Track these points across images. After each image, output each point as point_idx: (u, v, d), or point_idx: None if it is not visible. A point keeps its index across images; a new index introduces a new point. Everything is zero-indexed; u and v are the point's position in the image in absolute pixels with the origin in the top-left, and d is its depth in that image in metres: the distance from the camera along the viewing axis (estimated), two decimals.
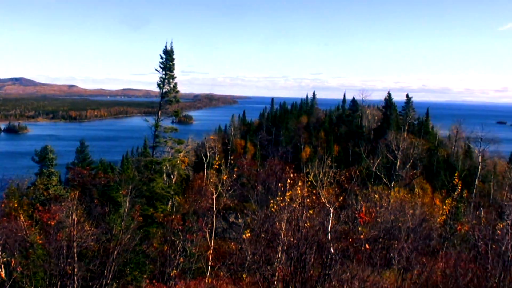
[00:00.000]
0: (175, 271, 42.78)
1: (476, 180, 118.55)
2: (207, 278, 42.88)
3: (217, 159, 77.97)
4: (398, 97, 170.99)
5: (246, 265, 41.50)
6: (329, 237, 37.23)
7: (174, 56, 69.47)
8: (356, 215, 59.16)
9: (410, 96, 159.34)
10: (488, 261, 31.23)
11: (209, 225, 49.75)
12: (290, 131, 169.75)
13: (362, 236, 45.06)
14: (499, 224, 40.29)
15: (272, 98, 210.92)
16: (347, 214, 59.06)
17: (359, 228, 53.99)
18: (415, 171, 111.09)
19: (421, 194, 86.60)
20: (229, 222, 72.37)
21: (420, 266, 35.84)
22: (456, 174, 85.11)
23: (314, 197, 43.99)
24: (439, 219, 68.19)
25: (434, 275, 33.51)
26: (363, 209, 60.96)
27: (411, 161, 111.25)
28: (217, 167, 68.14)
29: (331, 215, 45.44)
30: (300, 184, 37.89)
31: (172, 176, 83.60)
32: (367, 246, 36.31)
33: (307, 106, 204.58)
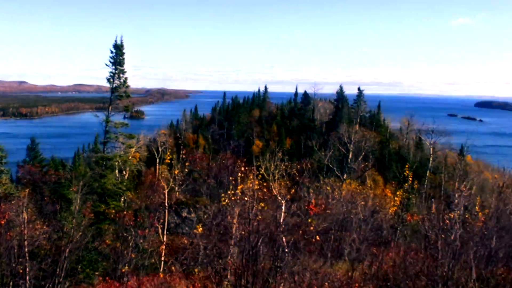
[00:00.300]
0: (127, 268, 42.65)
1: (427, 171, 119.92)
2: (160, 273, 42.83)
3: (168, 153, 77.66)
4: (350, 90, 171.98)
5: (199, 259, 41.61)
6: (281, 229, 37.50)
7: (124, 51, 68.79)
8: (306, 207, 59.58)
9: (361, 89, 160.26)
10: (437, 250, 31.67)
11: (161, 220, 49.71)
12: (242, 125, 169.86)
13: (311, 228, 45.45)
14: (448, 214, 40.99)
15: (224, 92, 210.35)
16: (299, 207, 59.51)
17: (309, 220, 54.38)
18: (366, 163, 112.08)
19: (372, 186, 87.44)
20: (182, 217, 72.17)
21: (370, 257, 36.31)
22: (406, 166, 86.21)
23: (265, 190, 44.26)
24: (390, 210, 69.06)
25: (385, 265, 33.99)
26: (313, 201, 61.41)
27: (363, 153, 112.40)
28: (169, 161, 67.77)
29: (283, 207, 45.80)
30: (250, 177, 38.08)
31: (124, 172, 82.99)
32: (317, 238, 36.66)
33: (259, 100, 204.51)
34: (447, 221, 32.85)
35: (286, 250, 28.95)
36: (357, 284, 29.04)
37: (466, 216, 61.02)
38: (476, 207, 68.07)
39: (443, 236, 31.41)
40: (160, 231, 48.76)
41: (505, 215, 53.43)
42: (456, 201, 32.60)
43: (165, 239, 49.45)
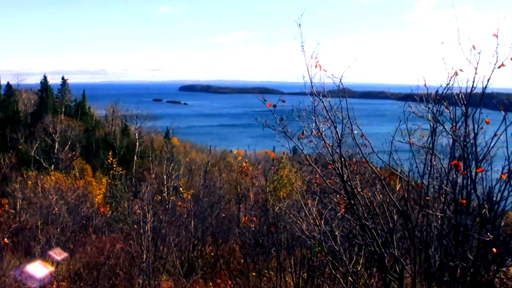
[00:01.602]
0: None
1: (135, 156, 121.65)
2: None
3: None
4: (55, 80, 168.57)
5: None
6: None
7: None
8: None
9: (66, 78, 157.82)
10: (139, 240, 31.38)
11: None
12: None
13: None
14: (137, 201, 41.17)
15: None
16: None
17: None
18: (74, 152, 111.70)
19: (77, 176, 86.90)
20: None
21: (67, 252, 35.22)
22: (110, 153, 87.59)
23: None
24: (97, 199, 69.55)
25: (84, 258, 33.46)
26: None
27: (69, 143, 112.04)
28: None
29: None
30: None
31: None
32: (5, 240, 35.44)
33: None
34: (137, 210, 32.24)
35: None
36: (49, 286, 27.89)
37: (172, 198, 63.96)
38: (181, 188, 71.36)
39: (135, 226, 31.36)
40: None
41: (212, 192, 56.00)
42: (143, 189, 32.89)
43: None
